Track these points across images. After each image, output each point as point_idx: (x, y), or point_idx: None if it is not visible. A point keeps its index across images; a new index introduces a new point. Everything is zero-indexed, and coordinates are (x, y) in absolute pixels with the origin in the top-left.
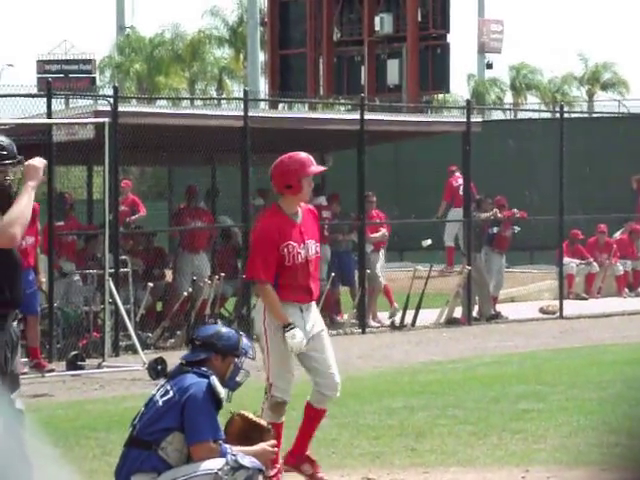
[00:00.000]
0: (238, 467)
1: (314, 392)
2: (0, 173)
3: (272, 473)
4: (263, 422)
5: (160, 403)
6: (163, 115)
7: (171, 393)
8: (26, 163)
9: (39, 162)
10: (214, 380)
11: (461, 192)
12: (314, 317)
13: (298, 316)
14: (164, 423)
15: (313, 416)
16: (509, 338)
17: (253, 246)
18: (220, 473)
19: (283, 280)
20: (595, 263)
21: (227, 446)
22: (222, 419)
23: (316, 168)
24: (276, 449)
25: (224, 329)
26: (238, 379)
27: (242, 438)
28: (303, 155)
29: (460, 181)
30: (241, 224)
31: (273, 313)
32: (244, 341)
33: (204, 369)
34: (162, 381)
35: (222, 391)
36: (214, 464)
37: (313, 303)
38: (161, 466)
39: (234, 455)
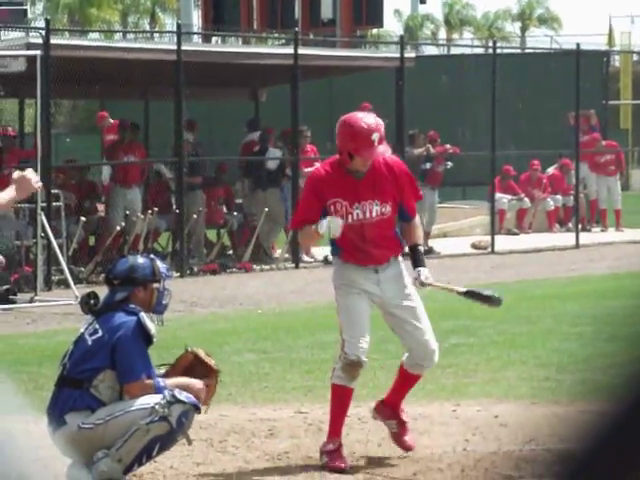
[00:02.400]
0: (174, 401)
1: (408, 356)
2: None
3: (332, 447)
4: (213, 363)
5: (90, 342)
6: (95, 48)
7: (100, 332)
8: (19, 175)
9: (33, 176)
10: (143, 317)
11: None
12: (394, 278)
13: (371, 279)
14: (95, 362)
15: (405, 378)
16: (441, 273)
17: (302, 195)
18: (157, 407)
19: (340, 240)
20: (526, 198)
21: (160, 380)
22: (170, 354)
23: (371, 152)
24: (204, 387)
25: (136, 260)
26: (164, 302)
27: (187, 373)
28: (367, 126)
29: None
30: (174, 158)
31: (306, 241)
32: (159, 264)
33: (132, 306)
34: (90, 318)
35: (152, 327)
36: (151, 399)
37: (393, 262)
38: (94, 404)
39: (171, 390)
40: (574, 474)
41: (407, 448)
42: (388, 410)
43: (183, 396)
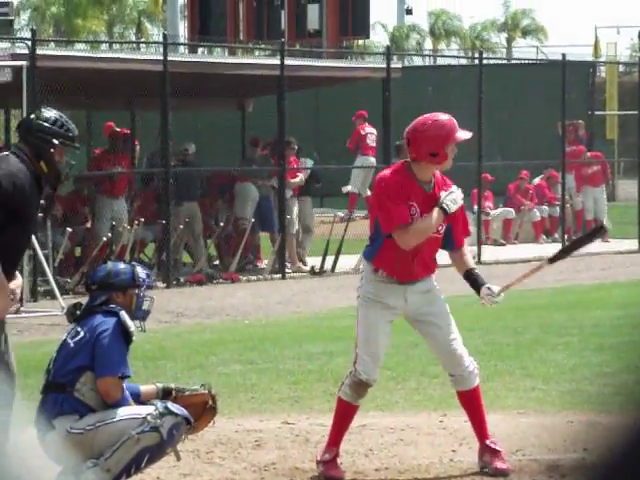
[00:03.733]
0: (167, 413)
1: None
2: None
3: (328, 457)
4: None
5: (72, 344)
6: (81, 59)
7: (82, 333)
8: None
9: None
10: (123, 315)
11: (369, 141)
12: (423, 290)
13: (399, 293)
14: (76, 362)
15: (461, 401)
16: None
17: (380, 201)
18: (149, 417)
19: (387, 247)
20: (512, 209)
21: (125, 385)
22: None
23: (463, 134)
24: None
25: (116, 266)
26: (145, 308)
27: (193, 408)
28: (447, 118)
29: (367, 129)
30: (161, 169)
31: (428, 225)
32: (139, 270)
33: (112, 306)
34: (72, 325)
35: (131, 325)
36: (143, 410)
37: (425, 278)
38: (81, 408)
39: (164, 402)
40: None
41: (499, 472)
42: (480, 447)
43: (175, 408)
